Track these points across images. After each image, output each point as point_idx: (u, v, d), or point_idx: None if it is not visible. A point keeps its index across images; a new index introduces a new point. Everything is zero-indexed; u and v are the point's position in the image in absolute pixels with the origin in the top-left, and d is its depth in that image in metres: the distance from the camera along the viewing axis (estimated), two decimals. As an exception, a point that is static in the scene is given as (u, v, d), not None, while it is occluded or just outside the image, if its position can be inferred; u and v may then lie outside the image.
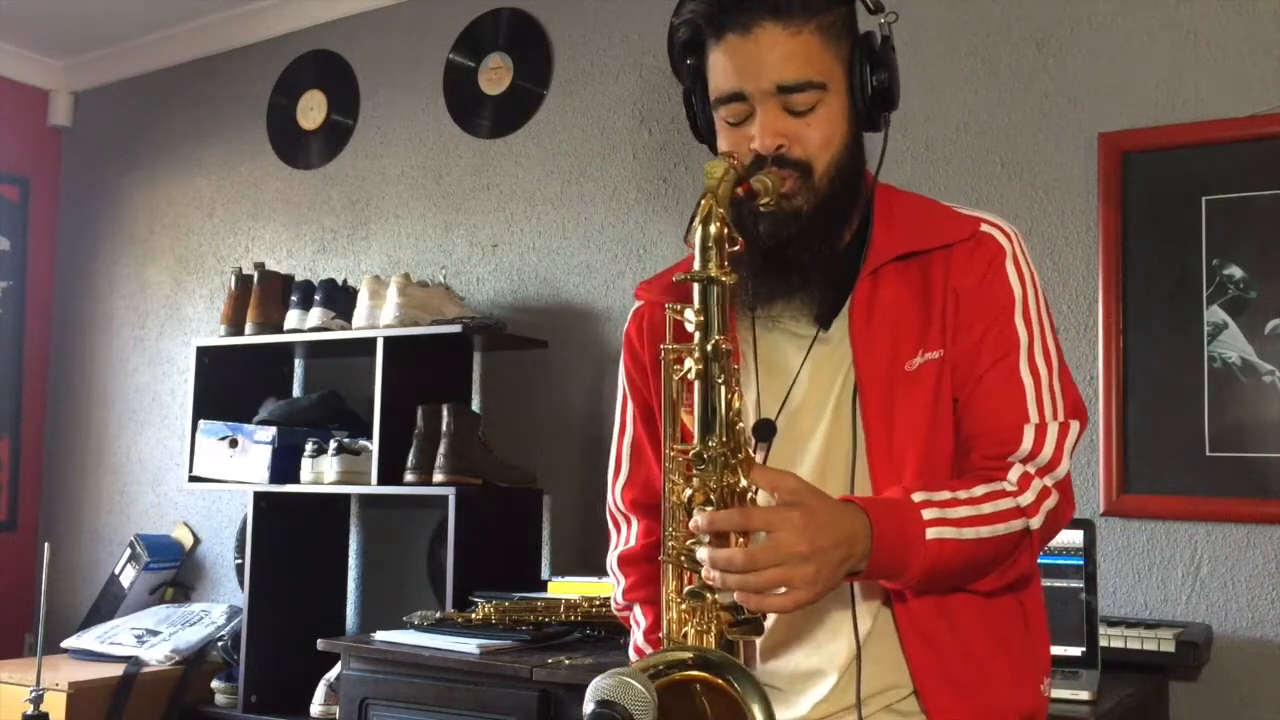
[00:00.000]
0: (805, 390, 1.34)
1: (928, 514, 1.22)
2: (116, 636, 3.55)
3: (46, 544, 3.12)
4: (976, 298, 1.32)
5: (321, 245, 3.82)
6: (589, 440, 3.22)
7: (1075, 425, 1.31)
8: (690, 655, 1.15)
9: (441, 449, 2.96)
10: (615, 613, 1.58)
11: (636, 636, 1.51)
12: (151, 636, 3.51)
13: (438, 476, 2.95)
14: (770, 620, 1.27)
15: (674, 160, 3.17)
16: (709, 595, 1.19)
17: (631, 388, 1.52)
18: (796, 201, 1.30)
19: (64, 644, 3.61)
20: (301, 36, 3.90)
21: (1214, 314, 2.45)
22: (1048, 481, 1.28)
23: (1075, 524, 2.18)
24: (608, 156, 3.28)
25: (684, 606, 1.21)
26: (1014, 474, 1.28)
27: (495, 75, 3.49)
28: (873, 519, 1.19)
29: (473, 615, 2.62)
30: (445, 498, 2.94)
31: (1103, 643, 2.18)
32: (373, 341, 3.14)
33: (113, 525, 4.18)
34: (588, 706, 1.06)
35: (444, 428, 2.97)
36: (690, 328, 1.21)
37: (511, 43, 3.46)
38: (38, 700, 2.86)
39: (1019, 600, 1.35)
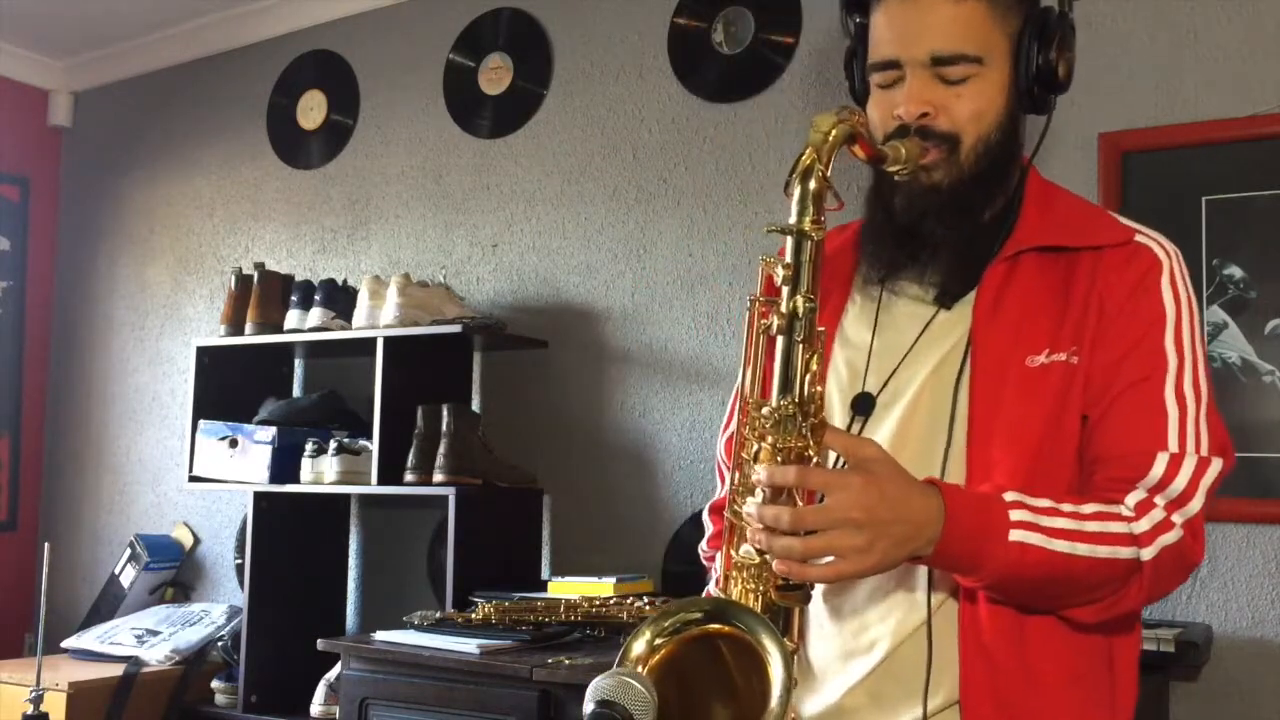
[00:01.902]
0: (914, 367, 1.28)
1: (1016, 515, 1.13)
2: (116, 636, 3.55)
3: (46, 544, 3.12)
4: (1124, 310, 1.22)
5: (321, 245, 3.82)
6: (589, 440, 3.22)
7: (1218, 463, 1.20)
8: (699, 611, 1.11)
9: (441, 449, 2.96)
10: (703, 561, 1.53)
11: (710, 585, 1.46)
12: (151, 636, 3.51)
13: (438, 476, 2.95)
14: (820, 588, 1.21)
15: (674, 160, 3.17)
16: (761, 554, 1.14)
17: None
18: (935, 175, 1.25)
19: (64, 644, 3.61)
20: (301, 36, 3.90)
21: (1214, 314, 2.45)
22: (1176, 518, 1.16)
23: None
24: (608, 156, 3.28)
25: (737, 564, 1.16)
26: (1133, 498, 1.17)
27: (495, 75, 3.49)
28: (949, 504, 1.12)
29: (473, 615, 2.61)
30: (445, 498, 2.94)
31: (1103, 643, 2.18)
32: (373, 341, 3.14)
33: (113, 525, 4.18)
34: (588, 706, 1.06)
35: (444, 428, 2.97)
36: (778, 281, 1.17)
37: (511, 43, 3.46)
38: (38, 700, 2.85)
39: (1108, 641, 1.25)
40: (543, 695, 2.29)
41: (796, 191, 1.17)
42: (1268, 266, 2.41)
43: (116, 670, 3.34)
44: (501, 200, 3.46)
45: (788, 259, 1.16)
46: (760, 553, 1.14)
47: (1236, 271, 2.44)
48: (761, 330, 1.20)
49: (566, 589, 2.75)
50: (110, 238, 4.36)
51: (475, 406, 3.37)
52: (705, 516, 1.52)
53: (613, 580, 2.75)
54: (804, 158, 1.16)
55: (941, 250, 1.27)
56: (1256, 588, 2.38)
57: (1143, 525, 1.16)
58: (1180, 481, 1.18)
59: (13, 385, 4.36)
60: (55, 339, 4.47)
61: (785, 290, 1.16)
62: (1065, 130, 2.63)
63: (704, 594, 1.46)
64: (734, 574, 1.17)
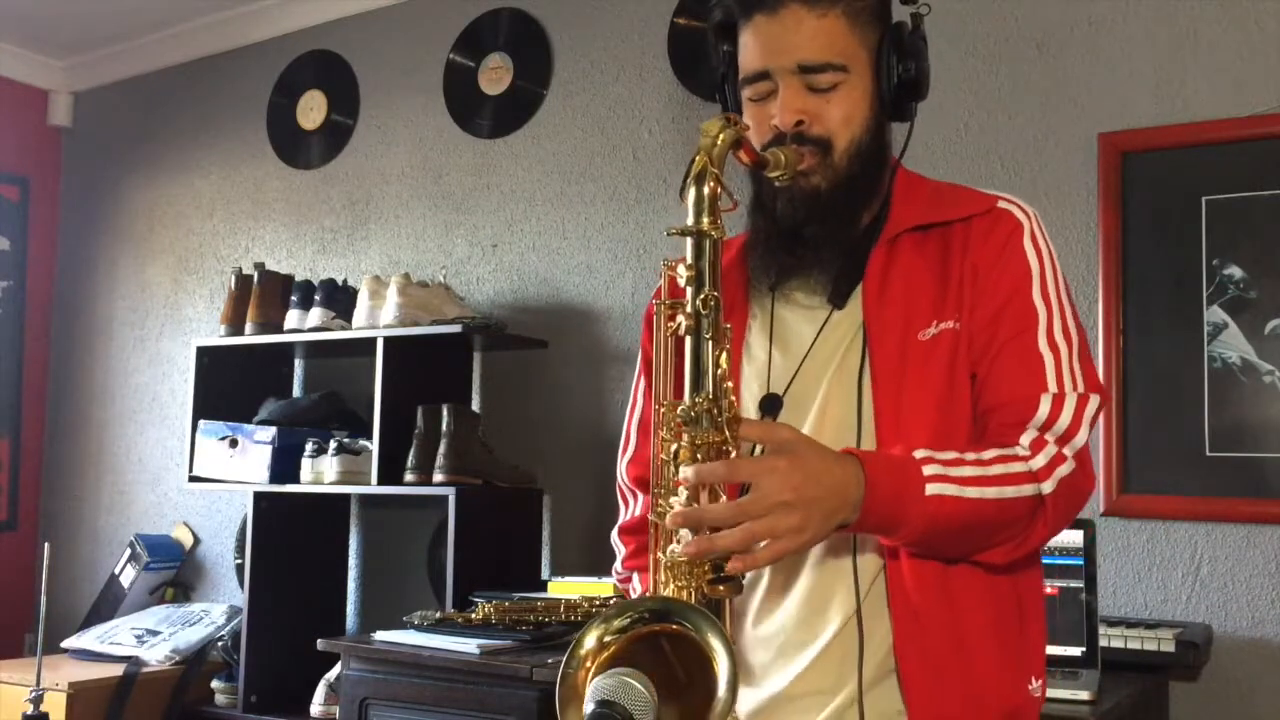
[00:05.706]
0: (816, 364, 1.33)
1: (929, 469, 1.20)
2: (116, 636, 3.55)
3: (46, 544, 3.12)
4: (994, 271, 1.31)
5: (321, 245, 3.82)
6: (589, 440, 3.22)
7: (1095, 398, 1.29)
8: (634, 611, 1.12)
9: (441, 449, 2.96)
10: (617, 584, 1.57)
11: None
12: (151, 636, 3.51)
13: (438, 476, 2.95)
14: (749, 576, 1.26)
15: (674, 160, 3.17)
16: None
17: (644, 363, 1.52)
18: (814, 180, 1.31)
19: (64, 644, 3.61)
20: (301, 36, 3.90)
21: (1214, 314, 2.45)
22: (1066, 450, 1.25)
23: (1075, 524, 2.18)
24: (608, 156, 3.28)
25: (668, 564, 1.19)
26: (1026, 438, 1.25)
27: (495, 75, 3.49)
28: (867, 469, 1.17)
29: (473, 615, 2.61)
30: (445, 498, 2.94)
31: (1103, 643, 2.18)
32: (373, 341, 3.14)
33: (113, 525, 4.18)
34: (588, 706, 1.06)
35: (444, 428, 2.97)
36: (682, 282, 1.21)
37: (511, 43, 3.46)
38: (38, 700, 2.85)
39: (1016, 592, 1.32)
40: (543, 695, 2.29)
41: (691, 195, 1.21)
42: (1268, 266, 2.41)
43: (116, 670, 3.34)
44: (501, 200, 3.46)
45: (689, 260, 1.21)
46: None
47: (1236, 271, 2.44)
48: (669, 333, 1.24)
49: (566, 589, 2.75)
50: (110, 238, 4.36)
51: (475, 406, 3.37)
52: (615, 540, 1.56)
53: (612, 580, 2.74)
54: (696, 162, 1.22)
55: (824, 252, 1.33)
56: (1256, 588, 2.38)
57: (1039, 461, 1.24)
58: (1065, 417, 1.26)
59: (13, 385, 4.35)
60: (55, 339, 4.47)
61: (690, 291, 1.20)
62: (1065, 130, 2.63)
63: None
64: (665, 575, 1.20)
